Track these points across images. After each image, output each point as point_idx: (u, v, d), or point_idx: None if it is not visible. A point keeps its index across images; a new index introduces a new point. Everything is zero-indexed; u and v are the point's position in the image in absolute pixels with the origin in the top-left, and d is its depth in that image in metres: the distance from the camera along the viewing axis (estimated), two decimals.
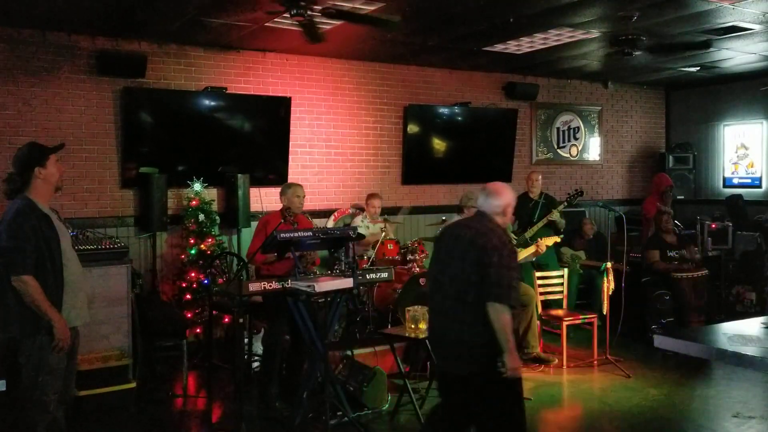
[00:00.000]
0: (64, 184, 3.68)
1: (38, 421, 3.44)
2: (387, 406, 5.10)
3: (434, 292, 3.52)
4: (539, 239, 6.12)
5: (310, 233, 4.71)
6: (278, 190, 5.66)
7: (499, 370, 3.24)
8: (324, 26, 6.03)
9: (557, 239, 6.42)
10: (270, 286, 4.43)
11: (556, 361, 6.14)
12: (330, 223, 7.60)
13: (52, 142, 3.87)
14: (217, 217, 6.85)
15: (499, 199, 3.48)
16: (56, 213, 3.74)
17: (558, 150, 9.57)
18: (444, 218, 6.76)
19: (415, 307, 5.06)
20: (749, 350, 3.13)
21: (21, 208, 3.48)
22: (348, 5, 5.38)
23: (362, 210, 7.50)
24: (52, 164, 3.58)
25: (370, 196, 7.35)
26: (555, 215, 7.04)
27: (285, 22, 5.91)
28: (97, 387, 5.00)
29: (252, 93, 7.22)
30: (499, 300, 3.21)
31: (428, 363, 5.43)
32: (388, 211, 7.56)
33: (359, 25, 5.75)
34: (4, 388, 3.40)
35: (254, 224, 6.91)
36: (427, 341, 4.16)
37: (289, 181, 6.85)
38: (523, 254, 6.07)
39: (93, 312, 5.14)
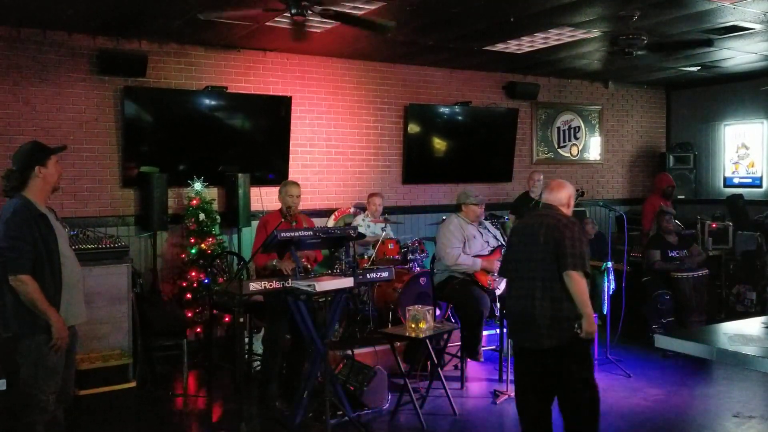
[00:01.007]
0: (61, 184, 3.66)
1: (37, 420, 3.45)
2: (387, 405, 5.11)
3: (514, 276, 3.98)
4: None
5: (310, 233, 4.72)
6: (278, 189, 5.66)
7: (577, 336, 3.71)
8: (322, 27, 6.04)
9: None
10: (270, 285, 4.43)
11: None
12: (330, 223, 7.60)
13: (53, 141, 3.89)
14: (218, 217, 6.85)
15: (562, 192, 3.98)
16: (53, 212, 3.73)
17: (558, 150, 9.56)
18: (444, 217, 6.75)
19: (416, 306, 5.06)
20: (750, 350, 3.13)
21: (18, 207, 3.48)
22: (349, 5, 5.38)
23: (364, 209, 7.50)
24: (52, 164, 3.59)
25: (372, 195, 7.34)
26: None
27: (286, 22, 5.91)
28: (98, 386, 5.00)
29: (252, 92, 7.22)
30: (575, 268, 3.68)
31: (428, 362, 5.43)
32: (389, 211, 7.56)
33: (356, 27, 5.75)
34: (4, 388, 3.40)
35: (255, 224, 6.94)
36: (505, 320, 4.50)
37: (290, 179, 6.84)
38: None
39: (93, 311, 5.15)
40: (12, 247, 3.39)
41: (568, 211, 3.96)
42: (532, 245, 3.84)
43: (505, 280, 5.61)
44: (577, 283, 3.68)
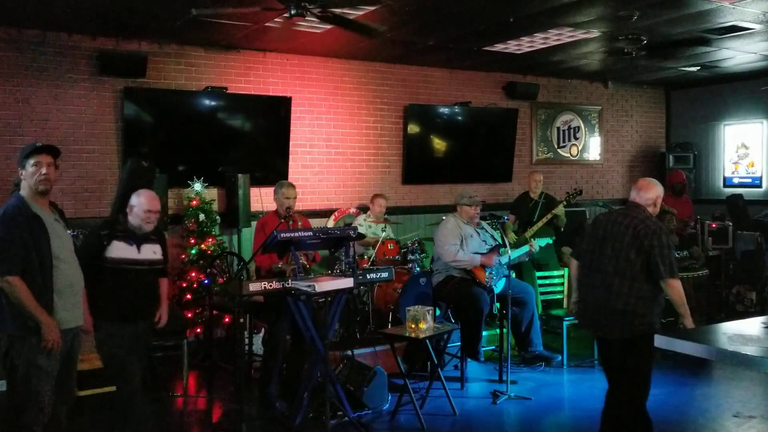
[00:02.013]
0: (46, 186, 3.51)
1: (33, 421, 3.42)
2: (387, 406, 5.11)
3: (590, 269, 4.13)
4: (533, 239, 6.14)
5: (310, 233, 4.71)
6: None
7: (644, 332, 3.86)
8: (321, 28, 6.04)
9: (549, 240, 6.44)
10: (270, 285, 4.42)
11: (560, 357, 6.13)
12: (330, 223, 7.61)
13: (52, 142, 3.88)
14: (218, 217, 6.86)
15: (650, 193, 4.08)
16: (58, 213, 3.69)
17: (558, 150, 9.57)
18: (444, 218, 6.75)
19: (416, 306, 5.06)
20: (749, 350, 3.13)
21: (9, 207, 3.46)
22: (348, 6, 5.37)
23: (366, 210, 7.50)
24: (30, 165, 3.50)
25: (376, 196, 7.33)
26: (560, 210, 7.06)
27: (285, 22, 5.91)
28: (97, 387, 5.00)
29: (252, 93, 7.22)
30: (671, 275, 3.89)
31: (428, 363, 5.43)
32: (389, 211, 7.56)
33: (363, 19, 5.74)
34: (4, 389, 3.40)
35: (255, 224, 6.94)
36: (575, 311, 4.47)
37: (290, 180, 6.84)
38: (515, 253, 6.08)
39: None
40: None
41: (654, 210, 4.10)
42: (616, 242, 3.98)
43: (501, 279, 5.63)
44: (674, 288, 3.92)
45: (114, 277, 3.94)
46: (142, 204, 4.04)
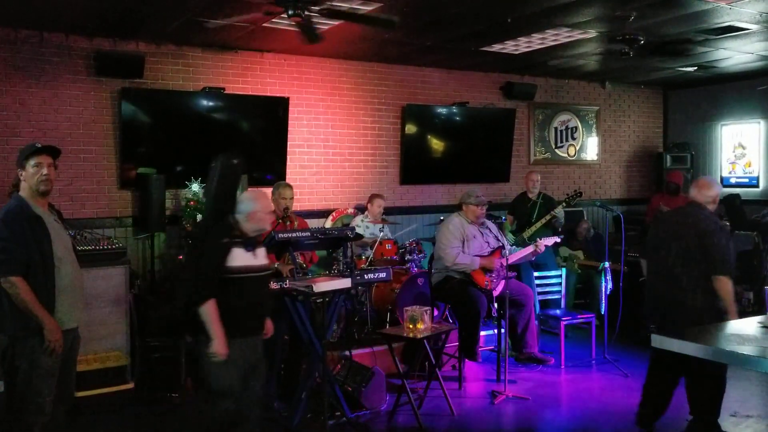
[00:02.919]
0: (47, 187, 3.54)
1: (34, 422, 3.43)
2: (385, 406, 5.11)
3: (656, 265, 4.44)
4: (538, 239, 6.13)
5: (308, 233, 4.72)
6: None
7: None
8: (322, 26, 6.04)
9: (557, 239, 6.43)
10: None
11: (554, 361, 6.15)
12: (328, 223, 7.60)
13: (50, 142, 3.86)
14: None
15: (710, 191, 4.35)
16: (56, 214, 3.71)
17: (556, 150, 9.58)
18: (442, 218, 6.76)
19: (413, 307, 5.07)
20: (747, 349, 3.14)
21: (11, 208, 3.48)
22: (345, 5, 5.38)
23: (363, 210, 7.50)
24: (30, 166, 3.52)
25: (374, 196, 7.33)
26: (559, 212, 7.07)
27: (283, 23, 5.91)
28: (96, 387, 5.01)
29: (250, 93, 7.22)
30: (723, 273, 4.11)
31: (426, 363, 5.44)
32: (386, 211, 7.56)
33: (357, 26, 5.75)
34: (2, 389, 3.40)
35: None
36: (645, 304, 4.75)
37: (287, 181, 6.84)
38: (520, 254, 6.09)
39: (91, 312, 5.15)
40: (1, 249, 3.37)
41: (713, 207, 4.36)
42: (681, 239, 4.27)
43: (503, 281, 5.64)
44: (724, 285, 4.13)
45: (238, 288, 3.68)
46: (265, 207, 3.83)
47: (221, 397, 3.72)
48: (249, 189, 3.95)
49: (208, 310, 3.58)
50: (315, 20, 5.37)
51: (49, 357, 3.44)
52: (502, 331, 5.75)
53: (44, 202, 3.61)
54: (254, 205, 3.77)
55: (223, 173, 3.94)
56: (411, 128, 8.25)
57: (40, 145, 3.59)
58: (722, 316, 4.12)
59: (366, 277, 4.94)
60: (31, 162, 3.51)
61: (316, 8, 5.14)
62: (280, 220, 5.28)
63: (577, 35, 6.68)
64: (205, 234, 3.91)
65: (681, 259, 4.26)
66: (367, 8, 5.49)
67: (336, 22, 5.78)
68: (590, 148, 9.90)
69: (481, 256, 5.84)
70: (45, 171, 3.52)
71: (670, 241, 4.35)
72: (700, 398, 4.44)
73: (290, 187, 5.50)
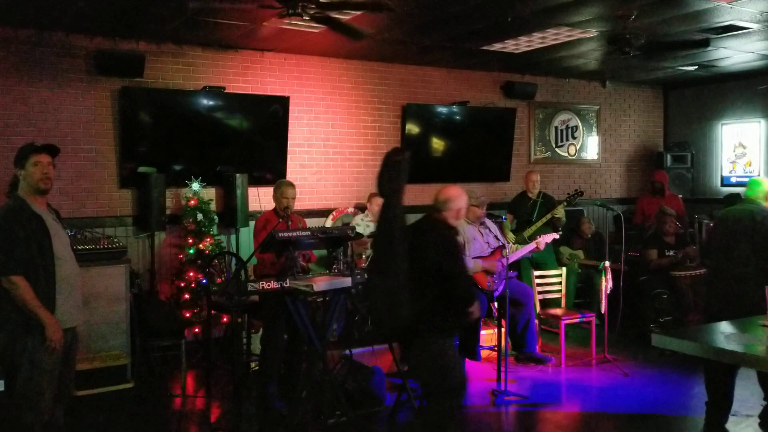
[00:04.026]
0: (47, 186, 3.54)
1: (34, 421, 3.44)
2: (385, 405, 5.11)
3: (722, 260, 4.68)
4: (539, 236, 6.14)
5: (308, 233, 4.71)
6: None
7: None
8: (320, 27, 6.03)
9: (555, 236, 6.43)
10: (268, 285, 4.43)
11: (554, 360, 6.15)
12: (328, 222, 7.60)
13: (50, 141, 3.87)
14: (216, 217, 6.85)
15: (765, 186, 4.68)
16: (55, 213, 3.71)
17: (556, 149, 9.57)
18: None
19: None
20: (746, 349, 3.14)
21: (10, 207, 3.48)
22: (351, 9, 5.36)
23: (363, 209, 7.50)
24: (30, 165, 3.52)
25: (373, 195, 7.31)
26: (560, 212, 7.07)
27: (286, 22, 5.90)
28: (96, 387, 5.01)
29: (250, 92, 7.22)
30: None
31: None
32: None
33: (361, 19, 5.72)
34: (2, 388, 3.40)
35: (253, 224, 6.92)
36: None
37: (288, 179, 6.83)
38: (521, 252, 6.09)
39: (91, 312, 5.16)
40: (2, 248, 3.38)
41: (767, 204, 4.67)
42: (744, 234, 4.55)
43: (503, 282, 5.63)
44: None
45: (448, 285, 3.63)
46: (466, 204, 3.92)
47: (459, 390, 3.78)
48: (451, 186, 3.92)
49: (478, 309, 3.76)
50: (305, 22, 5.33)
51: (50, 356, 3.44)
52: (502, 330, 5.75)
53: (43, 201, 3.61)
54: (460, 201, 3.80)
55: (395, 167, 3.73)
56: (411, 127, 8.24)
57: (39, 144, 3.60)
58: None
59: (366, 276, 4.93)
60: (31, 161, 3.52)
61: (314, 8, 5.12)
62: (280, 219, 5.27)
63: (577, 34, 6.68)
64: (422, 233, 3.76)
65: (745, 252, 4.54)
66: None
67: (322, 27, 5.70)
68: (590, 147, 9.90)
69: (482, 257, 5.84)
70: (45, 170, 3.53)
71: (733, 237, 4.62)
72: None
73: (292, 186, 5.48)
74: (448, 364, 3.67)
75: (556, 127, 9.57)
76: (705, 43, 6.90)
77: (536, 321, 6.29)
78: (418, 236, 3.65)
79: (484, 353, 6.18)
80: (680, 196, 8.94)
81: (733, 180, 9.68)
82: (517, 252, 5.96)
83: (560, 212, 7.09)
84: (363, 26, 5.64)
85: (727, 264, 4.66)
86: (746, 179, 9.45)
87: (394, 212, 3.52)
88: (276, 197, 5.43)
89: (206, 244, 6.63)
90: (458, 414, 3.84)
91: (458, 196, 3.79)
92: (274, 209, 5.48)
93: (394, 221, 3.50)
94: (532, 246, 6.03)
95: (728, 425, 4.73)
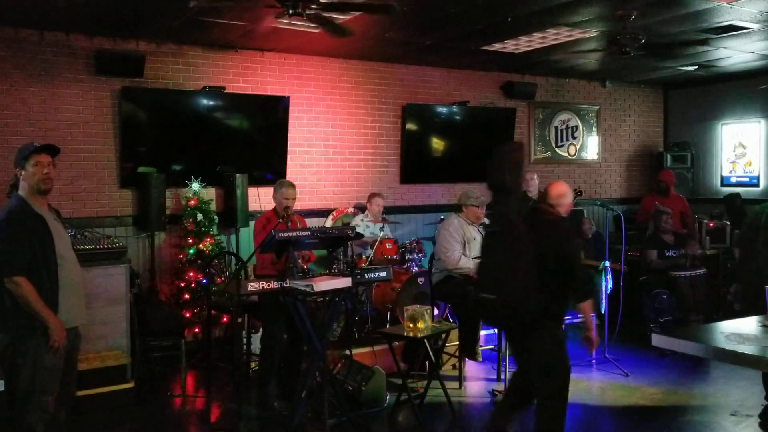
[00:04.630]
0: (48, 186, 3.54)
1: (37, 421, 3.44)
2: (385, 405, 5.11)
3: (746, 252, 4.81)
4: None
5: (308, 233, 4.71)
6: None
7: None
8: (319, 27, 6.03)
9: None
10: (268, 285, 4.42)
11: None
12: (328, 222, 7.60)
13: (50, 142, 3.86)
14: (216, 217, 6.85)
15: None
16: (56, 213, 3.71)
17: (556, 149, 9.57)
18: (442, 217, 6.75)
19: (414, 306, 5.06)
20: (747, 349, 3.13)
21: (12, 208, 3.47)
22: (355, 10, 5.35)
23: (363, 209, 7.50)
24: (31, 165, 3.51)
25: (373, 195, 7.33)
26: None
27: (283, 22, 5.90)
28: (96, 387, 5.00)
29: (250, 92, 7.22)
30: None
31: (426, 362, 5.43)
32: (387, 210, 7.56)
33: (358, 23, 5.72)
34: (2, 388, 3.40)
35: (253, 224, 6.92)
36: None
37: (286, 180, 6.82)
38: None
39: (91, 312, 5.14)
40: (5, 249, 3.37)
41: None
42: (760, 229, 4.62)
43: None
44: None
45: (568, 273, 3.82)
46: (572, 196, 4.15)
47: (568, 373, 3.91)
48: (558, 182, 4.17)
49: (591, 304, 3.89)
50: (305, 22, 5.32)
51: (53, 356, 3.44)
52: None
53: (44, 202, 3.61)
54: (571, 197, 4.14)
55: (510, 162, 3.92)
56: (411, 127, 8.24)
57: (39, 144, 3.59)
58: None
59: (366, 276, 4.92)
60: (31, 161, 3.52)
61: (314, 7, 5.11)
62: (280, 219, 5.27)
63: (577, 34, 6.68)
64: (540, 225, 3.87)
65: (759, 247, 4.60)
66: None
67: (341, 16, 5.71)
68: (590, 147, 9.90)
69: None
70: (45, 170, 3.53)
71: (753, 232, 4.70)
72: None
73: (293, 186, 5.47)
74: (561, 348, 3.89)
75: (556, 127, 9.57)
76: (704, 42, 6.90)
77: None
78: (537, 229, 3.77)
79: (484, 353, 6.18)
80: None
81: (733, 180, 9.68)
82: None
83: None
84: (364, 26, 5.64)
85: (748, 256, 4.75)
86: (746, 179, 9.49)
87: (512, 206, 3.78)
88: (276, 197, 5.42)
89: (206, 244, 6.63)
90: (566, 396, 3.94)
91: (569, 192, 4.09)
92: (274, 209, 5.48)
93: (512, 215, 3.77)
94: None
95: (728, 425, 4.74)
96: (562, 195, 4.04)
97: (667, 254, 7.00)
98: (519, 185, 3.84)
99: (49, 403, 3.46)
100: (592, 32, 6.57)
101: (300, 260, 5.11)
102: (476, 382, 5.79)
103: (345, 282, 4.61)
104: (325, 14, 5.15)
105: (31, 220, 3.46)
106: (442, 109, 8.52)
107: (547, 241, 3.74)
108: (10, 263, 3.37)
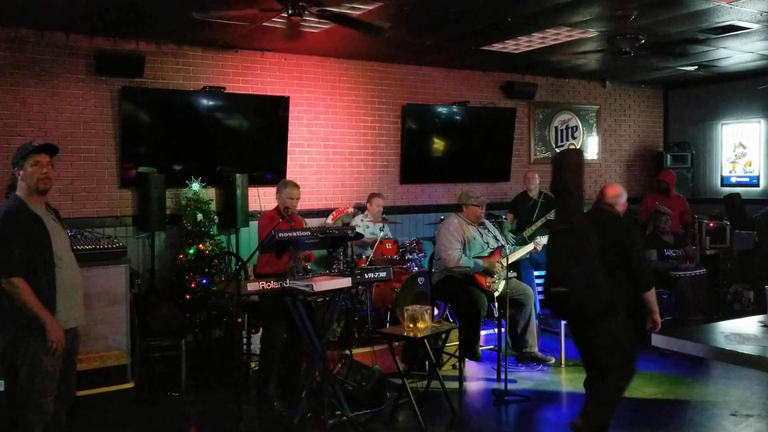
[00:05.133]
0: (46, 186, 3.52)
1: (36, 421, 3.43)
2: (385, 405, 5.11)
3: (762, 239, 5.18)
4: (537, 237, 6.15)
5: (308, 233, 4.71)
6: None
7: None
8: (319, 27, 6.04)
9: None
10: (268, 285, 4.42)
11: (554, 360, 6.15)
12: (328, 223, 7.60)
13: (50, 142, 3.85)
14: (216, 217, 6.85)
15: None
16: (54, 213, 3.68)
17: (556, 149, 9.57)
18: (442, 217, 6.76)
19: (414, 306, 5.06)
20: (747, 349, 3.14)
21: (10, 208, 3.45)
22: (347, 4, 5.37)
23: (363, 210, 7.50)
24: (29, 165, 3.49)
25: (373, 195, 7.33)
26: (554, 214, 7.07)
27: (283, 22, 5.90)
28: (96, 387, 5.00)
29: (250, 93, 7.22)
30: None
31: (427, 362, 5.44)
32: (387, 210, 7.56)
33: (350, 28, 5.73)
34: (2, 389, 3.40)
35: (253, 224, 6.93)
36: None
37: (290, 180, 6.82)
38: (520, 252, 6.10)
39: (91, 312, 5.15)
40: (2, 250, 3.35)
41: None
42: None
43: (503, 282, 5.63)
44: None
45: (632, 267, 4.17)
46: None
47: (634, 362, 4.25)
48: (613, 184, 4.48)
49: (653, 293, 4.19)
50: (310, 21, 5.35)
51: (51, 357, 3.43)
52: (503, 330, 5.75)
53: (42, 202, 3.58)
54: (625, 196, 4.41)
55: (573, 167, 4.20)
56: (411, 127, 8.24)
57: (37, 144, 3.57)
58: None
59: (366, 276, 4.93)
60: (30, 161, 3.49)
61: (316, 8, 5.13)
62: (282, 219, 5.26)
63: (577, 34, 6.68)
64: (604, 224, 4.16)
65: None
66: (368, 7, 5.49)
67: (329, 25, 5.75)
68: (590, 147, 9.90)
69: (481, 257, 5.84)
70: (44, 170, 3.50)
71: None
72: None
73: (297, 186, 5.43)
74: (628, 338, 4.15)
75: (556, 127, 9.57)
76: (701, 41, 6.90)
77: (536, 321, 6.29)
78: (600, 226, 4.09)
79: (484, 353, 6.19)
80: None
81: (733, 180, 9.68)
82: (515, 253, 5.98)
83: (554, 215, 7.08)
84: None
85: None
86: (746, 179, 9.49)
87: (574, 206, 4.11)
88: (280, 197, 5.39)
89: (206, 244, 6.62)
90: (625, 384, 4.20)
91: (623, 192, 4.40)
92: (276, 209, 5.46)
93: (576, 215, 4.09)
94: (530, 247, 6.05)
95: (728, 425, 4.74)
96: (618, 195, 4.34)
97: (666, 254, 7.00)
98: (581, 187, 4.15)
99: (47, 404, 3.45)
100: (592, 32, 6.57)
101: (303, 260, 5.12)
102: (476, 382, 5.79)
103: (345, 282, 4.61)
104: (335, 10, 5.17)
105: (29, 221, 3.44)
106: (442, 109, 8.52)
107: (610, 236, 4.05)
108: (6, 264, 3.34)
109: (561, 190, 4.16)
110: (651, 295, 4.20)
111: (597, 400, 4.15)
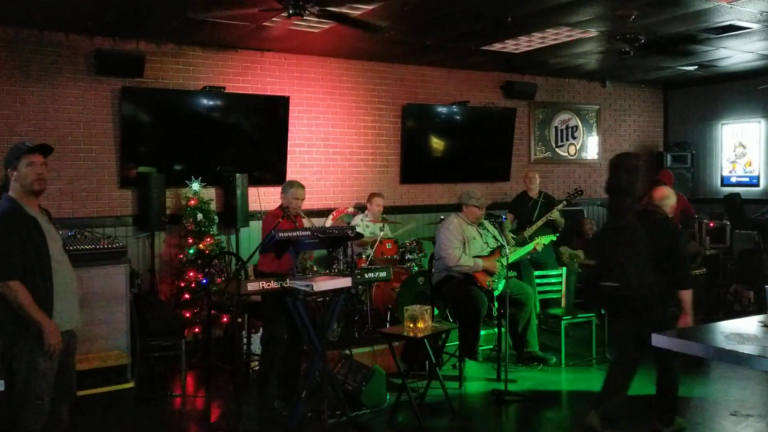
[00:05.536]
0: (41, 186, 3.47)
1: (33, 423, 3.41)
2: (386, 405, 5.11)
3: None
4: (536, 237, 6.15)
5: (308, 232, 4.70)
6: (277, 189, 5.64)
7: None
8: (319, 27, 6.04)
9: (553, 237, 6.44)
10: (268, 285, 4.42)
11: (555, 359, 6.15)
12: (328, 222, 7.60)
13: (50, 142, 3.85)
14: (216, 217, 6.85)
15: None
16: (47, 214, 3.62)
17: (556, 149, 9.57)
18: (442, 217, 6.75)
19: (414, 306, 5.06)
20: (747, 349, 3.13)
21: (5, 211, 3.39)
22: (347, 4, 5.37)
23: (363, 209, 7.50)
24: (23, 165, 3.42)
25: (373, 195, 7.33)
26: (555, 214, 7.07)
27: (283, 22, 5.91)
28: (96, 387, 5.01)
29: (250, 92, 7.22)
30: None
31: (426, 362, 5.44)
32: (387, 210, 7.56)
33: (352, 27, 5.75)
34: (2, 389, 3.39)
35: (253, 224, 6.93)
36: None
37: (295, 180, 6.81)
38: (520, 252, 6.09)
39: (91, 312, 5.16)
40: None
41: None
42: None
43: (503, 281, 5.62)
44: None
45: (677, 264, 4.34)
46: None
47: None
48: (662, 187, 4.70)
49: (690, 293, 4.31)
50: (310, 20, 5.36)
51: (48, 359, 3.41)
52: (503, 330, 5.75)
53: (36, 203, 3.52)
54: (673, 198, 4.62)
55: (631, 170, 4.40)
56: (411, 127, 8.24)
57: (30, 144, 3.53)
58: None
59: (366, 276, 4.93)
60: (24, 162, 3.42)
61: (315, 9, 5.14)
62: (282, 219, 5.26)
63: (577, 34, 6.68)
64: (652, 224, 4.33)
65: None
66: (368, 7, 5.49)
67: (332, 23, 5.76)
68: (590, 147, 9.90)
69: (481, 257, 5.84)
70: (39, 170, 3.43)
71: None
72: None
73: (303, 187, 5.43)
74: (671, 326, 4.16)
75: (556, 127, 9.57)
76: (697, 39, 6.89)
77: (536, 321, 6.28)
78: (649, 226, 4.27)
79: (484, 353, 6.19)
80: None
81: (733, 180, 9.68)
82: (515, 253, 5.98)
83: (555, 215, 7.08)
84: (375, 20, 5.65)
85: None
86: (746, 179, 9.49)
87: (629, 206, 4.30)
88: (286, 197, 5.37)
89: (206, 244, 6.62)
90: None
91: (671, 195, 4.63)
92: (280, 207, 5.44)
93: (629, 214, 4.28)
94: (530, 247, 6.05)
95: (728, 425, 4.74)
96: (665, 197, 4.54)
97: None
98: (635, 188, 4.32)
99: (44, 406, 3.43)
100: (592, 32, 6.57)
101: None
102: (476, 382, 5.79)
103: (345, 282, 4.61)
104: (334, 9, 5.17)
105: (24, 223, 3.38)
106: (442, 109, 8.52)
107: (658, 236, 4.25)
108: (3, 268, 3.30)
109: (617, 191, 4.37)
110: (687, 295, 4.32)
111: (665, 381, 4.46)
